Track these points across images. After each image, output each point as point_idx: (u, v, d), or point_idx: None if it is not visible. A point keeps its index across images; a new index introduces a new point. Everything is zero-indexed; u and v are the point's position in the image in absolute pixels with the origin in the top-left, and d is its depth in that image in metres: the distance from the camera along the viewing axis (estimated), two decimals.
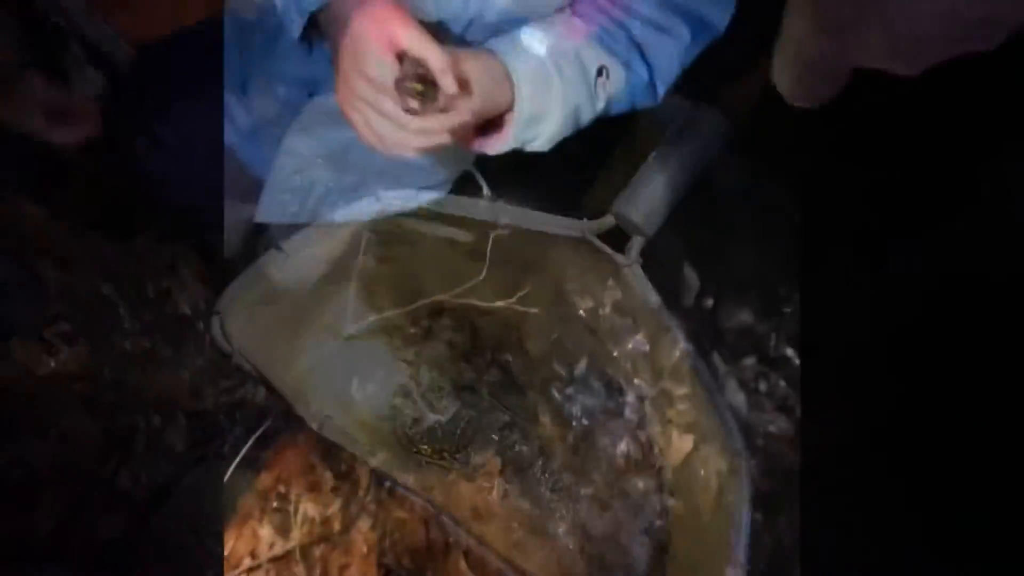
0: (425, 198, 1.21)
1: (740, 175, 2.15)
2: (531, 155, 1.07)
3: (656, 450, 1.67)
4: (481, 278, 1.63)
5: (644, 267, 1.98)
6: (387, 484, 1.53)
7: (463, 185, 1.21)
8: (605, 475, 1.63)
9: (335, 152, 1.10)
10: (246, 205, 1.45)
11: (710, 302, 1.94)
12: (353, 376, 1.62)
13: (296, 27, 0.89)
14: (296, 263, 1.61)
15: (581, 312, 1.88)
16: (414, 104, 0.76)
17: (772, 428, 1.73)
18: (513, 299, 1.65)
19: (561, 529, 1.53)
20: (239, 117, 1.34)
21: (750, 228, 2.08)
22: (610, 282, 1.92)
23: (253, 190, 1.41)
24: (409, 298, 1.68)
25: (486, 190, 1.15)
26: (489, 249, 1.62)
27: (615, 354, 1.82)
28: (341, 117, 1.02)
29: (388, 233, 1.44)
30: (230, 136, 1.38)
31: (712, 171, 2.15)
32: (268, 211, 1.31)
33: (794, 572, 1.59)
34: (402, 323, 1.68)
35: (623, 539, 1.55)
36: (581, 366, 1.77)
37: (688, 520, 1.59)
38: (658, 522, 1.58)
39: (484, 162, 1.16)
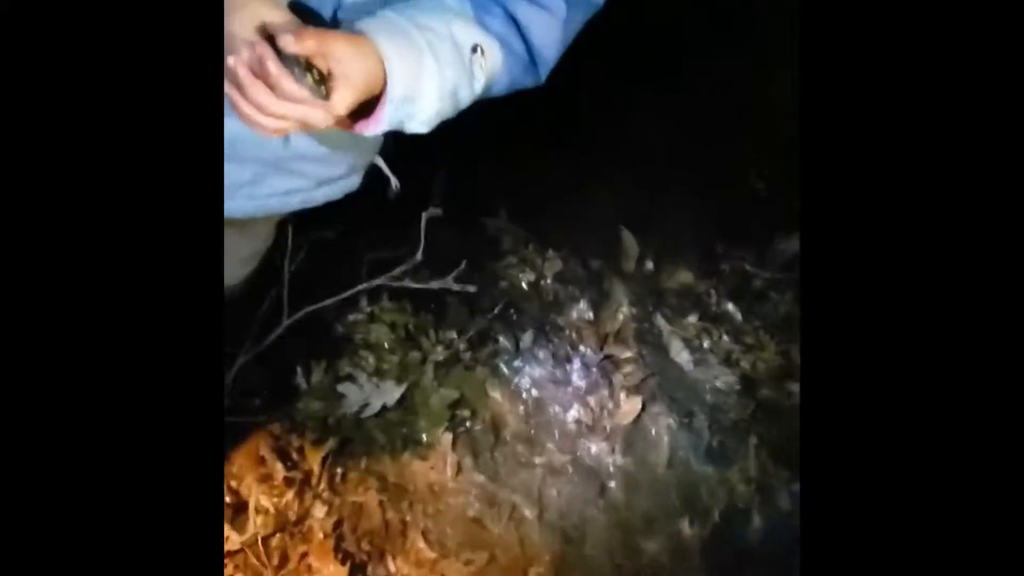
0: (330, 192, 1.12)
1: (674, 139, 2.17)
2: None
3: (606, 413, 1.69)
4: (418, 259, 1.62)
5: (580, 234, 1.99)
6: (339, 471, 1.52)
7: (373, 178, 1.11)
8: (557, 442, 1.64)
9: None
10: None
11: (650, 265, 1.96)
12: (296, 365, 1.60)
13: None
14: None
15: (524, 285, 1.89)
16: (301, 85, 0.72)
17: (718, 383, 1.76)
18: (449, 276, 1.64)
19: (518, 499, 1.54)
20: None
21: (685, 190, 2.10)
22: (549, 252, 1.93)
23: None
24: None
25: (394, 182, 1.07)
26: (423, 228, 1.61)
27: (560, 323, 1.83)
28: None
29: None
30: None
31: (647, 136, 2.17)
32: None
33: (751, 524, 1.63)
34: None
35: (579, 503, 1.56)
36: (527, 338, 1.78)
37: (642, 478, 1.62)
38: (612, 483, 1.60)
39: (391, 154, 1.08)
